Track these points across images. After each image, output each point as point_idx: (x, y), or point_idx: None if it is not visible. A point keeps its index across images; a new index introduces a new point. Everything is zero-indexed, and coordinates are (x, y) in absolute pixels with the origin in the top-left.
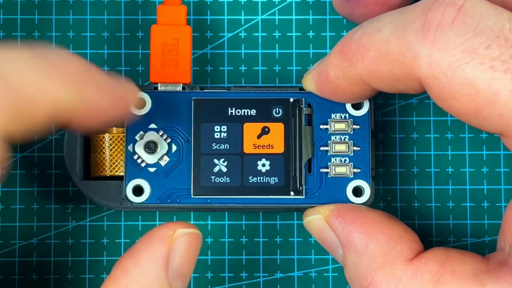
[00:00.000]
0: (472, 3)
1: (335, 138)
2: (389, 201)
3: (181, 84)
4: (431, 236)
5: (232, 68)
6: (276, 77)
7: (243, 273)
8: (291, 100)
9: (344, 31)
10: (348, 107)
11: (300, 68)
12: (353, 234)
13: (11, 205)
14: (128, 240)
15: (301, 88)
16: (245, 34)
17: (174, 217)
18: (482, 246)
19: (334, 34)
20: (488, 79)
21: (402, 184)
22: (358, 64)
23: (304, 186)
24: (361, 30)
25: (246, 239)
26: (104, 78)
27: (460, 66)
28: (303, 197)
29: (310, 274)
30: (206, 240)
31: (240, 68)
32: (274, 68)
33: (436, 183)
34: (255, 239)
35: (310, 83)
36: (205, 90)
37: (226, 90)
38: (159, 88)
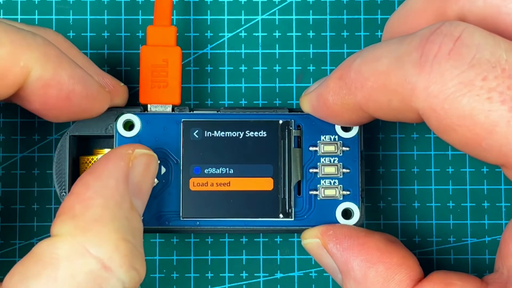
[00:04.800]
0: (469, 33)
1: (325, 160)
2: (389, 201)
3: (171, 105)
4: (431, 236)
5: (232, 68)
6: (276, 77)
7: (243, 273)
8: (280, 122)
9: (344, 31)
10: (338, 129)
11: (300, 68)
12: (351, 262)
13: (11, 205)
14: None
15: (291, 110)
16: (245, 34)
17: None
18: (482, 246)
19: (334, 34)
20: (485, 111)
21: (402, 184)
22: (357, 92)
23: (293, 209)
24: (360, 58)
25: (246, 239)
26: (79, 69)
27: (457, 98)
28: (292, 219)
29: (310, 274)
30: (206, 240)
31: (240, 68)
32: (274, 68)
33: (436, 183)
34: (255, 239)
35: (307, 105)
36: (194, 112)
37: (215, 112)
38: (148, 109)
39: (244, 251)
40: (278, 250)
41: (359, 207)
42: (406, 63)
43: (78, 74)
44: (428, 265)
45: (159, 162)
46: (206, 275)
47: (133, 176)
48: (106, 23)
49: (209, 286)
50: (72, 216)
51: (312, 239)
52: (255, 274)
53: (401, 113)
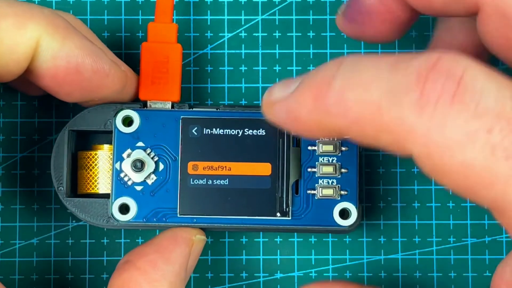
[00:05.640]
0: (472, 75)
1: (323, 159)
2: (389, 201)
3: (170, 102)
4: (431, 236)
5: (232, 68)
6: (276, 77)
7: (243, 273)
8: None
9: None
10: None
11: (300, 68)
12: None
13: (11, 205)
14: (128, 240)
15: None
16: (245, 34)
17: None
18: (482, 246)
19: (334, 34)
20: (487, 166)
21: (402, 184)
22: (339, 119)
23: (290, 208)
24: (342, 80)
25: (246, 239)
26: (89, 43)
27: (459, 149)
28: (290, 218)
29: (310, 274)
30: (207, 240)
31: (240, 68)
32: (274, 68)
33: (436, 183)
34: (255, 239)
35: (274, 117)
36: (193, 109)
37: (214, 109)
38: (148, 105)
39: (244, 251)
40: (278, 250)
41: (356, 207)
42: (404, 102)
43: (88, 46)
44: (428, 265)
45: (157, 159)
46: (206, 275)
47: (190, 261)
48: (106, 23)
49: (209, 286)
50: None
51: None
52: (255, 274)
53: (389, 149)
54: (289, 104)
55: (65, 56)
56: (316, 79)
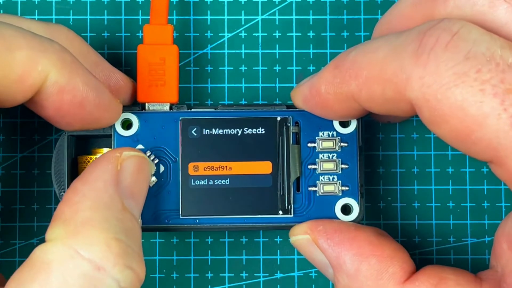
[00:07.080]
0: (467, 29)
1: (323, 156)
2: (389, 201)
3: (169, 104)
4: (431, 236)
5: (232, 68)
6: (276, 77)
7: (243, 273)
8: (278, 118)
9: (344, 31)
10: (336, 124)
11: (300, 68)
12: (343, 256)
13: (11, 205)
14: None
15: (288, 106)
16: (245, 34)
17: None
18: (482, 246)
19: (334, 34)
20: (477, 102)
21: (402, 184)
22: (351, 82)
23: (292, 205)
24: (356, 50)
25: (246, 239)
26: (93, 77)
27: (450, 89)
28: (292, 216)
29: (310, 274)
30: (206, 240)
31: (240, 68)
32: (274, 68)
33: (436, 183)
34: (255, 239)
35: (299, 96)
36: (192, 110)
37: (213, 110)
38: (146, 108)
39: (244, 251)
40: (278, 250)
41: (358, 203)
42: (403, 53)
43: (92, 81)
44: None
45: (157, 161)
46: (206, 275)
47: (124, 178)
48: (106, 23)
49: (209, 286)
50: (63, 220)
51: (302, 236)
52: (255, 274)
53: (394, 104)
54: (312, 81)
55: (71, 90)
56: (336, 58)
